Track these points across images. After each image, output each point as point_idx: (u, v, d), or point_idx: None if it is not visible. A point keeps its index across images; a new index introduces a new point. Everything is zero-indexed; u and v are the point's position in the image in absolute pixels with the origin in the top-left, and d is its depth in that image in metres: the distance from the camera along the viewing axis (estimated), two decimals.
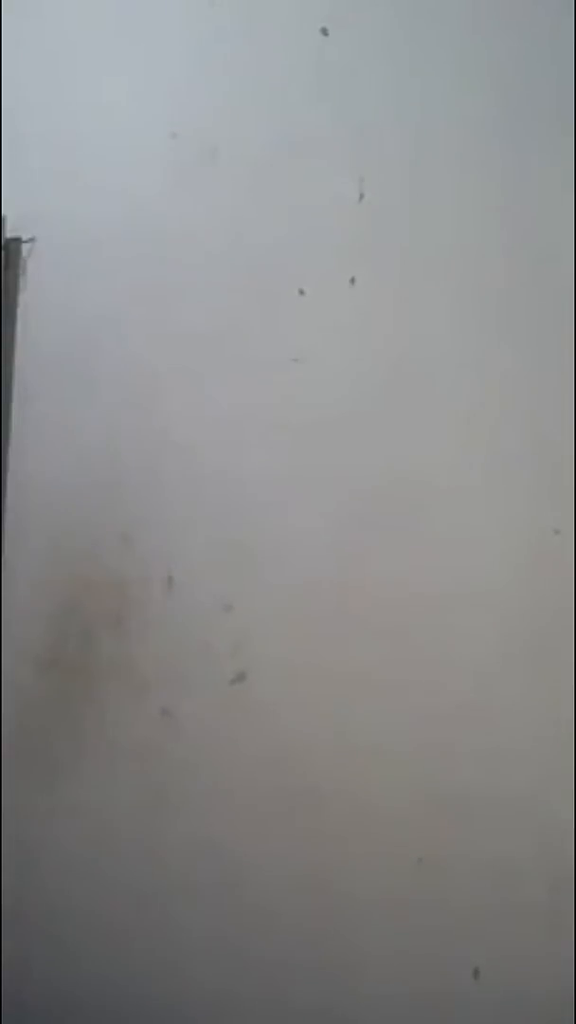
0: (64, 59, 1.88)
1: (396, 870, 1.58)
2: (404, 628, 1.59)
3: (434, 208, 1.61)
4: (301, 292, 1.69)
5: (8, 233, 1.89)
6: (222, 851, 1.70)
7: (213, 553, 1.74)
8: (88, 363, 1.84)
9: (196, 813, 1.73)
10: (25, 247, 1.89)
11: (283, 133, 1.71)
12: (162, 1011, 1.73)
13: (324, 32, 1.68)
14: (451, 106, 1.60)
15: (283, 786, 1.66)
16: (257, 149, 1.73)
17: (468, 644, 1.55)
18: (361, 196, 1.65)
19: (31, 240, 1.88)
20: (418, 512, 1.59)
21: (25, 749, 1.85)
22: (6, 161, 1.89)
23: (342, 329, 1.66)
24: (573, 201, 1.52)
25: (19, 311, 1.89)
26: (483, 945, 1.53)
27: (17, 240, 1.89)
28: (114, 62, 1.85)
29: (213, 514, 1.74)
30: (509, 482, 1.55)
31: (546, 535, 1.52)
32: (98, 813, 1.79)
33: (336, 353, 1.66)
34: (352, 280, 1.66)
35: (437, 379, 1.60)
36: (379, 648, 1.61)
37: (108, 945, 1.78)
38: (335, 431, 1.66)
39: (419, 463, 1.60)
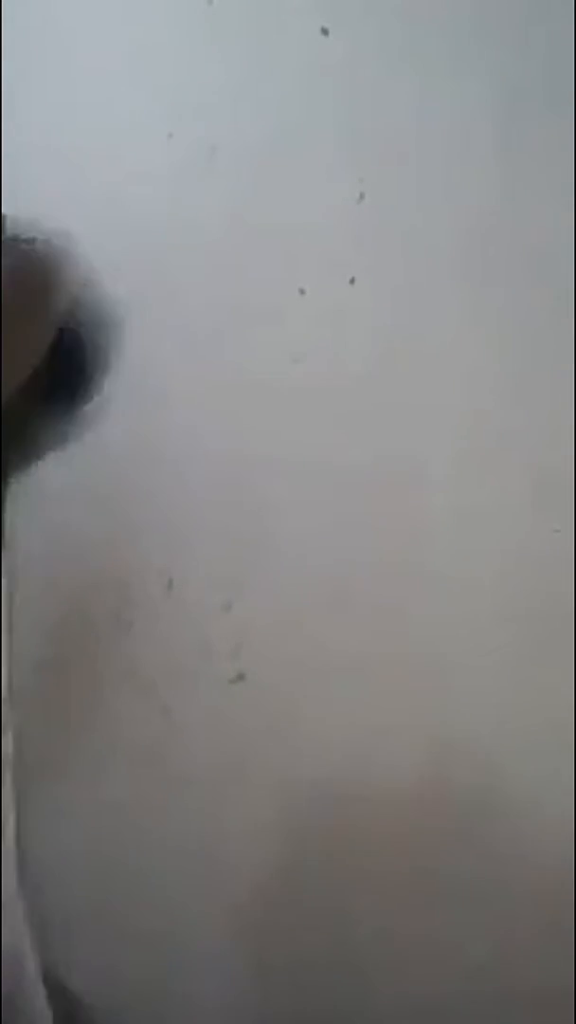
0: (62, 59, 1.88)
1: (397, 871, 1.59)
2: (404, 629, 1.59)
3: (434, 208, 1.61)
4: (301, 292, 1.69)
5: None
6: (222, 851, 1.70)
7: (213, 553, 1.74)
8: None
9: (196, 813, 1.73)
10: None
11: (283, 133, 1.71)
12: (161, 1012, 1.74)
13: (324, 32, 1.68)
14: (451, 106, 1.60)
15: (283, 786, 1.67)
16: (256, 149, 1.73)
17: (468, 645, 1.56)
18: (361, 196, 1.65)
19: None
20: (418, 513, 1.59)
21: (24, 749, 1.85)
22: (6, 161, 1.88)
23: (342, 329, 1.66)
24: (574, 201, 1.52)
25: None
26: (483, 946, 1.53)
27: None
28: (112, 61, 1.85)
29: (213, 514, 1.74)
30: (509, 481, 1.55)
31: (546, 535, 1.52)
32: (97, 813, 1.79)
33: (336, 353, 1.66)
34: (352, 280, 1.66)
35: (437, 378, 1.60)
36: (379, 649, 1.61)
37: (107, 945, 1.78)
38: (335, 431, 1.66)
39: (419, 463, 1.60)
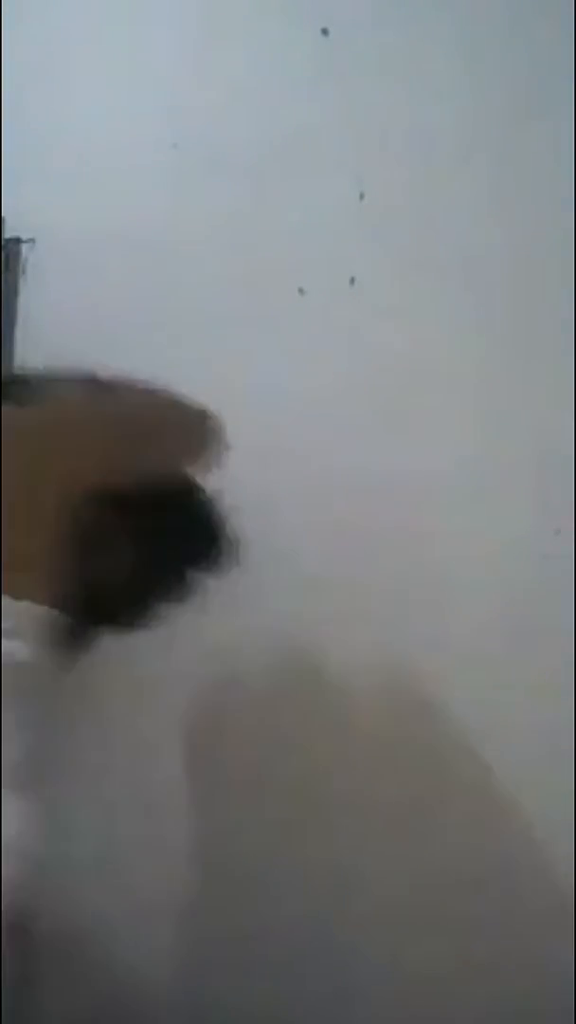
0: (64, 64, 1.88)
1: (397, 871, 1.59)
2: (404, 629, 1.59)
3: (435, 208, 1.61)
4: (301, 292, 1.69)
5: (8, 233, 1.89)
6: (221, 851, 1.70)
7: None
8: (88, 365, 1.84)
9: (196, 813, 1.73)
10: (25, 247, 1.89)
11: (283, 132, 1.72)
12: (160, 1012, 1.73)
13: (324, 32, 1.68)
14: (452, 106, 1.60)
15: (283, 786, 1.67)
16: (257, 148, 1.73)
17: (469, 646, 1.56)
18: (361, 196, 1.65)
19: (31, 240, 1.88)
20: (418, 513, 1.59)
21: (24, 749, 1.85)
22: (6, 162, 1.89)
23: (342, 329, 1.66)
24: (574, 200, 1.52)
25: (19, 312, 1.89)
26: (483, 947, 1.53)
27: (17, 240, 1.89)
28: (113, 64, 1.85)
29: None
30: (509, 482, 1.55)
31: (546, 535, 1.52)
32: (97, 812, 1.78)
33: (336, 353, 1.66)
34: (352, 280, 1.66)
35: (437, 379, 1.60)
36: (379, 648, 1.61)
37: (106, 944, 1.77)
38: (335, 431, 1.66)
39: (419, 464, 1.60)
